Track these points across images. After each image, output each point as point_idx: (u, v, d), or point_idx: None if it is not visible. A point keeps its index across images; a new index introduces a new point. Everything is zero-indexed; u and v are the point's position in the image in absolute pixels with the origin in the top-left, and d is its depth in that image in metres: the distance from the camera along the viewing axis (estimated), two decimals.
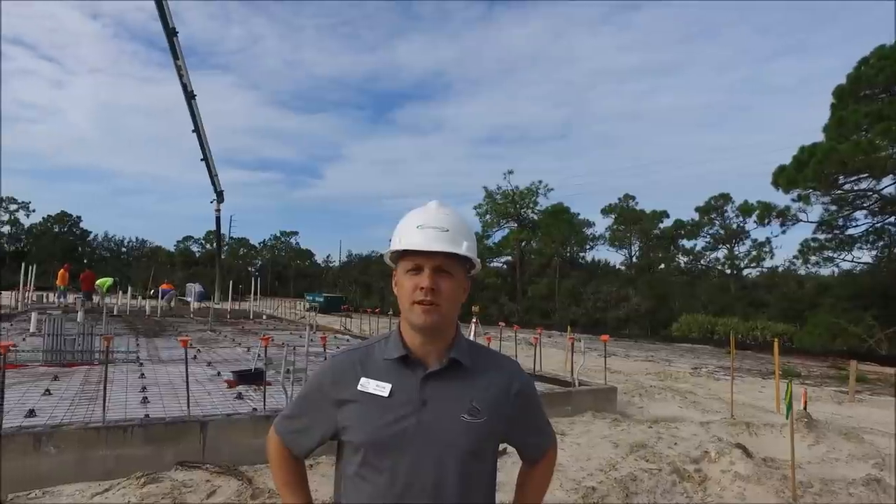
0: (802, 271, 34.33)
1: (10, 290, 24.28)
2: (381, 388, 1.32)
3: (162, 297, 25.20)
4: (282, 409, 5.26)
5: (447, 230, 1.32)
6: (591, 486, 4.89)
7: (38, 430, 4.95)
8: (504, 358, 1.49)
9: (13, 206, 66.45)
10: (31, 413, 5.74)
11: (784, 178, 21.65)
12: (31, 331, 13.25)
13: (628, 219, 43.46)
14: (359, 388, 1.33)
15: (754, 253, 37.49)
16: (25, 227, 66.88)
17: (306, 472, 1.50)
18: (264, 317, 24.62)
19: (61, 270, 24.76)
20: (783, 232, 34.50)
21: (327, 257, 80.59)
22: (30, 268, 24.14)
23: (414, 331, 1.34)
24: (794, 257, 34.69)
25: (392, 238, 1.40)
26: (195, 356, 10.51)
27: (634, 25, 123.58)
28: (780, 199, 31.54)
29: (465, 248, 1.33)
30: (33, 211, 67.50)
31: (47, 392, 6.87)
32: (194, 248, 76.26)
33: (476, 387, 1.35)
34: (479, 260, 1.41)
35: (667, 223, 42.41)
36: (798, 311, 25.85)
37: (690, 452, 5.77)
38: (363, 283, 52.10)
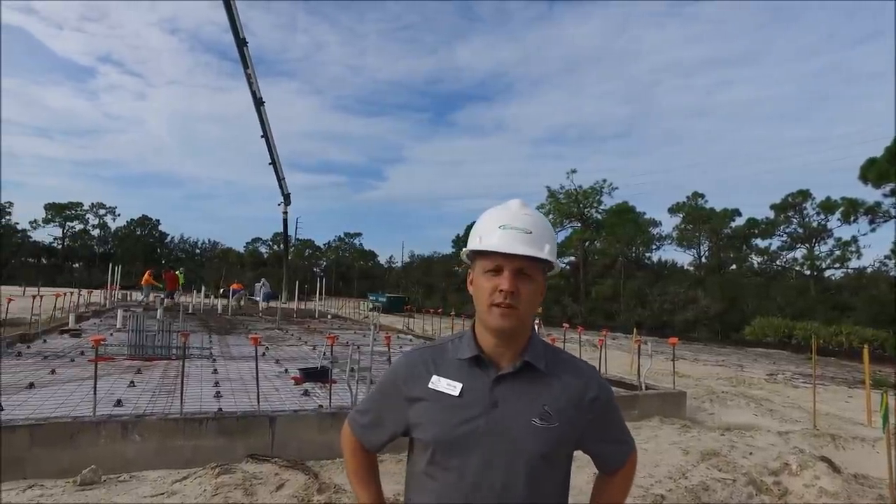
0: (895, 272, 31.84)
1: (98, 289, 26.18)
2: (452, 387, 1.31)
3: (232, 297, 26.46)
4: (347, 406, 5.34)
5: (530, 232, 1.30)
6: (661, 494, 4.70)
7: (125, 419, 5.31)
8: (582, 363, 1.44)
9: (102, 211, 71.79)
10: (119, 403, 6.18)
11: (874, 171, 20.13)
12: (117, 326, 14.24)
13: (697, 218, 41.69)
14: (430, 385, 1.33)
15: (838, 253, 35.04)
16: (112, 230, 72.04)
17: (377, 464, 1.54)
18: (329, 316, 25.31)
19: (146, 274, 26.47)
20: (872, 230, 32.24)
21: (390, 258, 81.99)
22: (116, 268, 25.95)
23: (489, 333, 1.33)
24: (886, 257, 32.34)
25: (471, 236, 1.38)
26: (264, 353, 10.93)
27: (703, 15, 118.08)
28: (869, 194, 29.44)
29: (546, 251, 1.30)
30: (118, 215, 72.68)
31: (132, 384, 7.34)
32: (262, 249, 79.60)
33: (549, 391, 1.32)
34: (558, 263, 1.39)
35: (739, 222, 40.41)
36: (891, 316, 23.91)
37: (768, 463, 5.42)
38: (425, 283, 52.66)
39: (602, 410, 1.36)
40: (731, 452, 5.97)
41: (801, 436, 6.89)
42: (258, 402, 6.11)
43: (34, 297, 14.27)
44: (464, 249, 1.41)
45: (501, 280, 1.27)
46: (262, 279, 29.97)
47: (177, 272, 27.11)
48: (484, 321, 1.31)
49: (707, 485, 4.84)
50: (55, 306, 15.81)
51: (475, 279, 1.35)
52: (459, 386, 1.31)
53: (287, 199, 24.51)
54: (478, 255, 1.34)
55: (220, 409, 6.05)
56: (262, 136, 22.79)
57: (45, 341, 11.62)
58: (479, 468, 1.26)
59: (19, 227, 65.51)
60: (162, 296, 23.83)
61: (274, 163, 23.69)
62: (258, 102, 21.60)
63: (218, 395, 6.99)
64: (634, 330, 14.59)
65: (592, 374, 1.39)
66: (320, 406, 6.48)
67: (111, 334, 12.69)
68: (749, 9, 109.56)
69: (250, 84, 21.04)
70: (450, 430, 1.28)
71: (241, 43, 20.01)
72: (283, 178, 24.23)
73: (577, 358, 1.46)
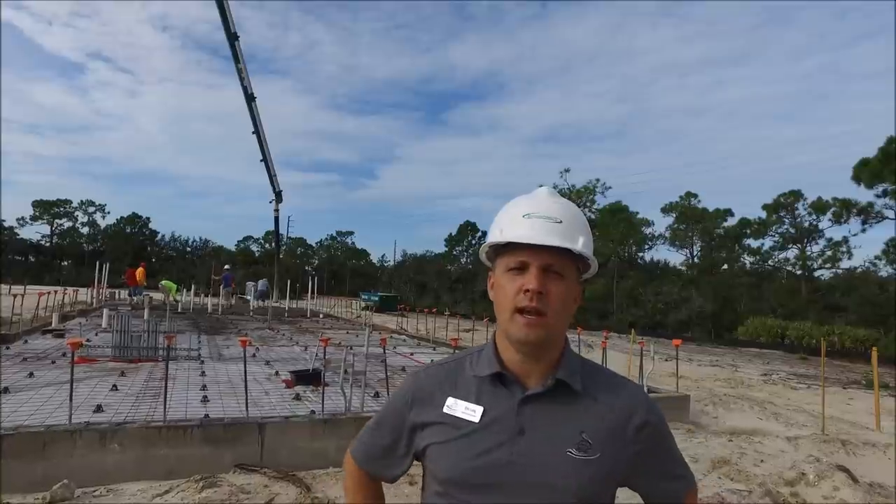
0: (884, 273, 31.96)
1: (86, 287, 25.64)
2: (471, 412, 1.08)
3: (227, 283, 26.16)
4: (341, 412, 4.99)
5: (560, 221, 1.07)
6: None
7: (103, 427, 4.97)
8: (626, 381, 1.19)
9: (91, 209, 70.80)
10: (99, 409, 5.83)
11: (867, 171, 20.10)
12: (102, 326, 13.84)
13: (690, 217, 41.69)
14: (445, 409, 1.11)
15: (829, 253, 35.12)
16: (102, 227, 71.09)
17: (383, 494, 1.30)
18: (321, 315, 24.95)
19: (139, 269, 25.75)
20: (863, 230, 32.33)
21: (382, 257, 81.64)
22: (104, 266, 25.41)
23: (512, 345, 1.09)
24: (877, 257, 32.43)
25: (490, 230, 1.15)
26: (254, 354, 10.61)
27: (697, 15, 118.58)
28: (861, 194, 29.49)
29: (581, 243, 1.09)
30: (108, 213, 71.75)
31: (114, 388, 7.00)
32: (254, 247, 78.91)
33: (588, 415, 1.08)
34: (595, 260, 1.14)
35: (731, 222, 40.45)
36: (882, 317, 23.97)
37: (783, 473, 5.19)
38: (418, 282, 52.34)
39: (652, 439, 1.12)
40: (741, 460, 5.75)
41: (811, 441, 6.68)
42: (247, 408, 5.81)
43: (16, 295, 13.82)
44: (482, 246, 1.17)
45: (528, 278, 1.05)
46: (259, 280, 29.73)
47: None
48: (506, 331, 1.08)
49: (722, 497, 4.60)
50: (39, 305, 15.36)
51: (496, 280, 1.11)
52: (480, 410, 1.08)
53: (279, 196, 24.05)
54: (499, 251, 1.11)
55: (206, 416, 5.73)
56: (254, 133, 22.31)
57: (25, 342, 11.21)
58: None
59: (6, 224, 64.53)
60: (132, 290, 23.32)
61: (265, 159, 23.22)
62: (249, 98, 21.12)
63: (205, 400, 6.67)
64: (633, 331, 14.38)
65: (639, 396, 1.16)
66: (312, 412, 6.18)
67: (96, 334, 12.31)
68: (743, 9, 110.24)
69: (241, 79, 20.58)
70: (467, 464, 1.05)
71: (233, 38, 19.56)
72: (275, 175, 23.76)
73: (620, 375, 1.21)
